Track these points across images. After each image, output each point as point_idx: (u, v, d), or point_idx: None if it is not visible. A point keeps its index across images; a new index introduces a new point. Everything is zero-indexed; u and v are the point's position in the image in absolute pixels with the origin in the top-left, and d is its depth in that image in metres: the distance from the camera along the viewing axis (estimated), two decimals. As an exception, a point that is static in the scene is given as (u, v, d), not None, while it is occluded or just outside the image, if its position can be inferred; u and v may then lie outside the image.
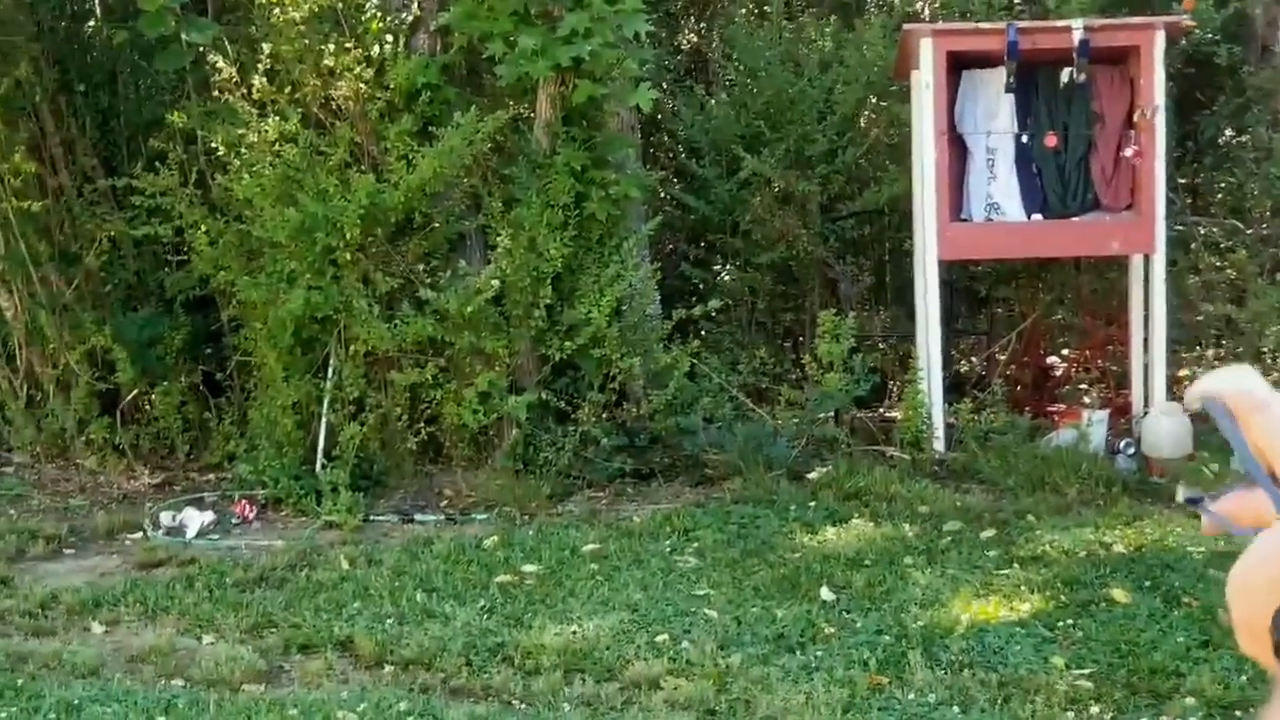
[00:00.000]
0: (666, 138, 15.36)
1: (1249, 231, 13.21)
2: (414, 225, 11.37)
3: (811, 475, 10.85)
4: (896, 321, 14.37)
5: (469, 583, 8.75)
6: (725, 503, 10.44)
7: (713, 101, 14.14)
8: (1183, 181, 13.56)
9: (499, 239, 10.96)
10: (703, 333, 12.73)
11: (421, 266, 11.35)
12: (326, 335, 11.17)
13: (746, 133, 13.33)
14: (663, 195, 14.04)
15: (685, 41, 17.41)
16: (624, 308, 11.49)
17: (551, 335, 11.11)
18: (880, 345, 13.78)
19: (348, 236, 10.70)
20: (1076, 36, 11.16)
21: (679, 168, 14.46)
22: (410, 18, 11.61)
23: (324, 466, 11.02)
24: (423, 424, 11.21)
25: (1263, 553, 1.31)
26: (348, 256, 10.89)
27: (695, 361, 11.62)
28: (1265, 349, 13.63)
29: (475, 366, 11.03)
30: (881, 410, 12.62)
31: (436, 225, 11.46)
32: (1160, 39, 11.21)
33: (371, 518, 10.52)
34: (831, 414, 11.60)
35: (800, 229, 13.11)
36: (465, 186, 11.55)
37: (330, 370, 11.19)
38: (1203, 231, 13.33)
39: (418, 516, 10.51)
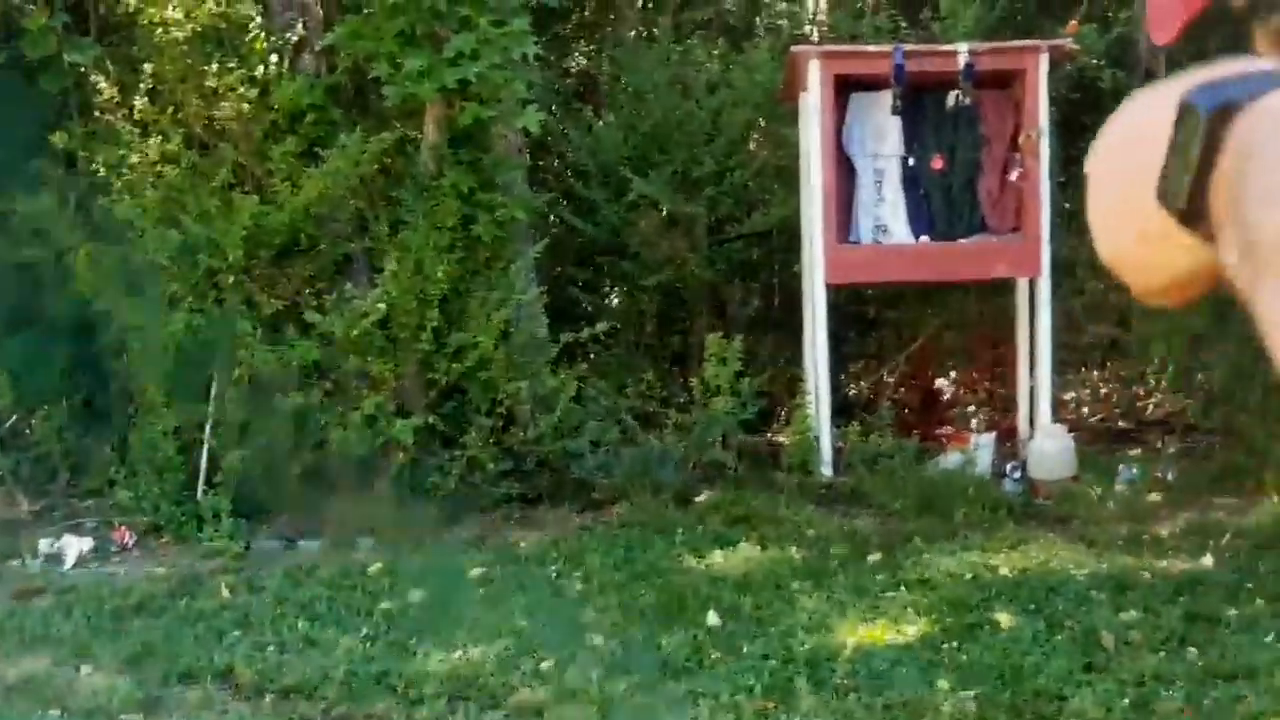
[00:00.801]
0: (555, 160, 15.31)
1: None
2: (299, 248, 11.27)
3: (699, 499, 10.83)
4: (785, 345, 14.37)
5: (352, 609, 8.66)
6: (612, 527, 10.40)
7: (601, 124, 14.11)
8: (1068, 205, 13.64)
9: (385, 261, 10.88)
10: (590, 356, 12.71)
11: (307, 289, 11.25)
12: (209, 359, 11.03)
13: (634, 155, 13.32)
14: (551, 217, 13.99)
15: (574, 64, 17.37)
16: (511, 331, 11.44)
17: (438, 358, 11.04)
18: (768, 368, 13.76)
19: (230, 259, 10.59)
20: (962, 60, 11.25)
21: (567, 190, 14.42)
22: (295, 38, 11.52)
23: (206, 492, 10.87)
24: (307, 449, 11.10)
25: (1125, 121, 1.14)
26: (231, 279, 10.77)
27: (583, 385, 11.58)
28: (1149, 370, 13.75)
29: (361, 390, 10.93)
30: (770, 434, 12.64)
31: (322, 248, 11.36)
32: (1044, 63, 11.31)
33: (254, 544, 10.38)
34: (719, 438, 11.57)
35: (688, 252, 13.11)
36: (351, 208, 11.46)
37: (213, 394, 11.05)
38: (1088, 254, 13.40)
39: (301, 542, 10.40)
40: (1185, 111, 0.96)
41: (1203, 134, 0.94)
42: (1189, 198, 0.96)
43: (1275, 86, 0.94)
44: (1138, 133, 1.06)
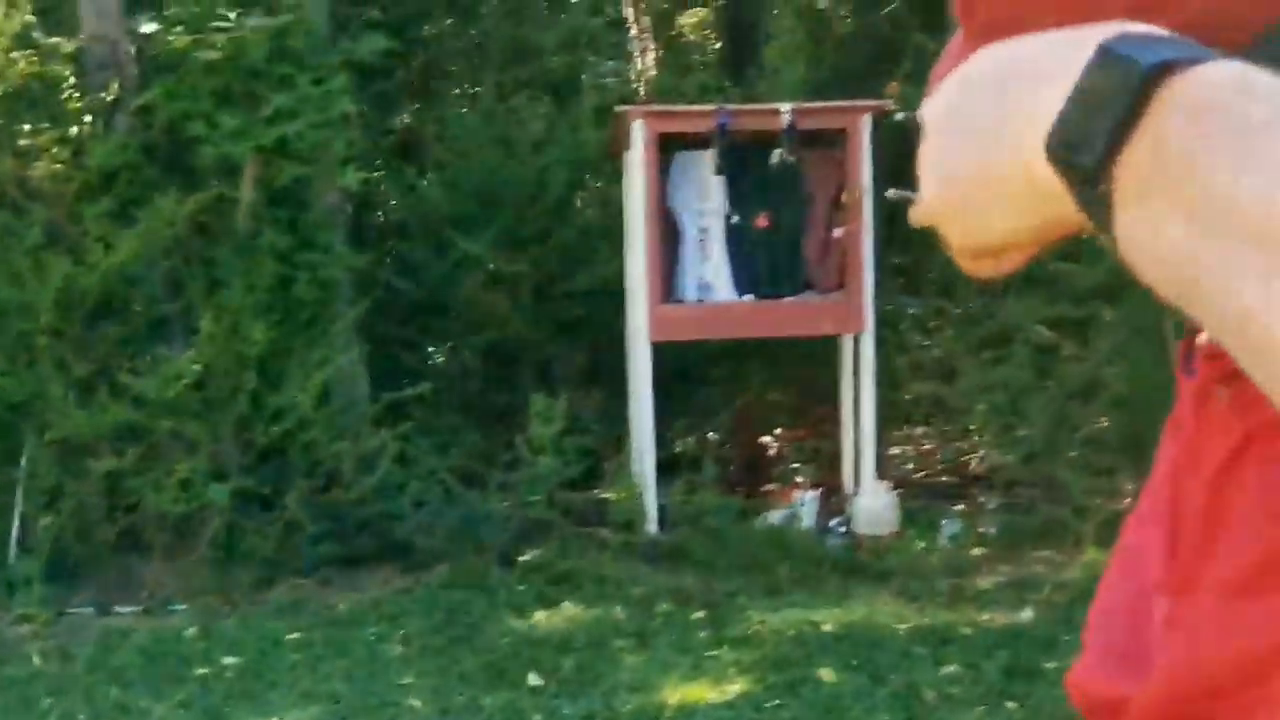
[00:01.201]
0: (378, 218, 15.20)
1: (957, 311, 13.44)
2: (112, 309, 11.08)
3: (522, 558, 10.76)
4: (610, 403, 14.33)
5: (167, 676, 8.52)
6: (434, 588, 10.30)
7: (424, 182, 14.03)
8: (895, 261, 13.77)
9: (201, 323, 10.73)
10: (414, 416, 12.57)
11: (121, 351, 11.06)
12: (19, 422, 10.81)
13: (458, 213, 13.24)
14: (374, 277, 13.87)
15: (397, 121, 17.29)
16: (332, 391, 11.33)
17: (256, 420, 10.90)
18: (593, 426, 13.72)
19: (42, 321, 10.40)
20: (785, 119, 11.29)
21: (390, 249, 14.32)
22: (110, 97, 11.34)
23: (17, 558, 10.63)
24: (122, 513, 10.91)
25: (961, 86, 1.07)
26: (43, 341, 10.57)
27: (405, 445, 11.47)
28: (973, 426, 13.88)
29: (177, 453, 10.76)
30: (595, 492, 12.57)
31: (136, 309, 11.19)
32: (867, 122, 11.42)
33: (67, 610, 10.15)
34: (544, 496, 11.52)
35: (512, 310, 13.05)
36: (166, 269, 11.29)
37: (24, 458, 10.82)
38: (912, 311, 13.54)
39: (116, 608, 10.18)
40: (1113, 61, 0.91)
41: (1136, 88, 0.89)
42: (1104, 153, 0.91)
43: (1204, 54, 0.91)
44: (997, 80, 1.02)
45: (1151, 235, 0.89)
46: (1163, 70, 0.89)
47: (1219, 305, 0.87)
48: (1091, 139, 0.91)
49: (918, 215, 1.12)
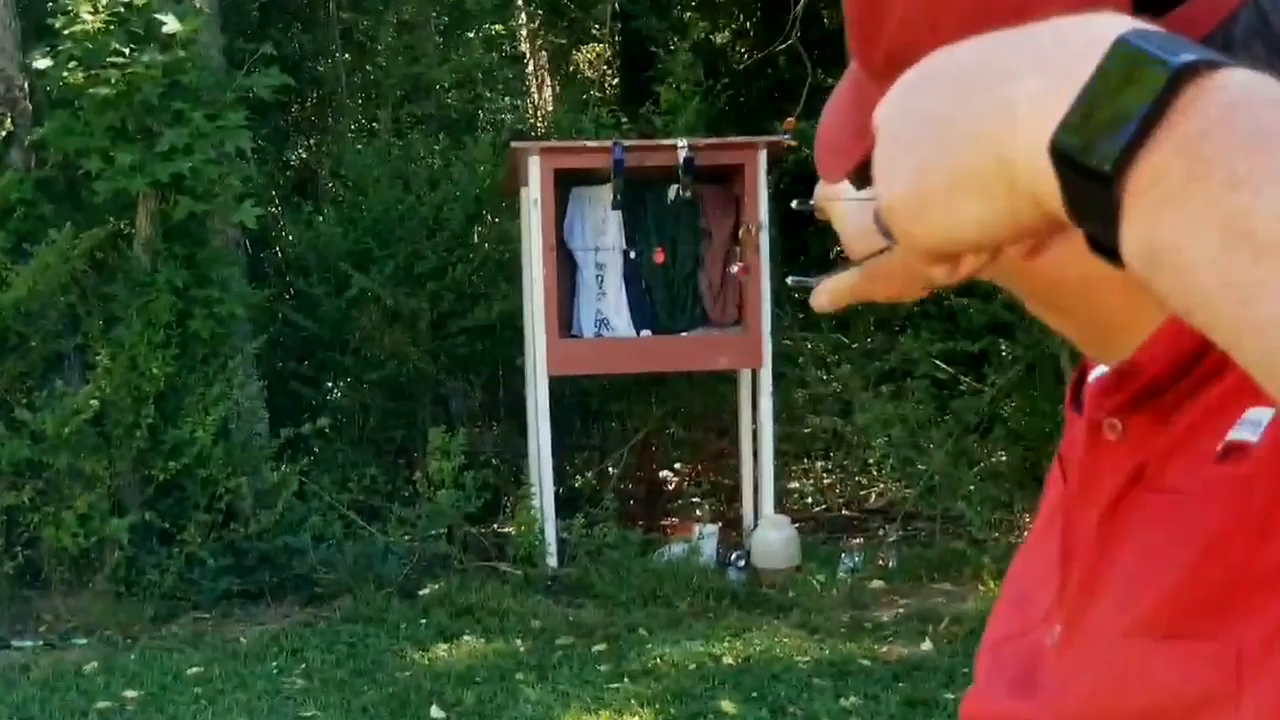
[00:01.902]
0: (275, 254, 15.18)
1: (854, 346, 13.55)
2: (9, 345, 10.99)
3: (423, 592, 10.76)
4: (509, 437, 14.36)
5: (67, 710, 8.46)
6: (335, 622, 10.26)
7: (321, 218, 14.02)
8: (796, 295, 13.87)
9: (98, 358, 10.67)
10: (314, 451, 12.54)
11: (17, 386, 10.98)
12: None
13: (355, 249, 13.23)
14: (271, 312, 13.84)
15: (294, 157, 17.28)
16: (231, 426, 11.30)
17: (154, 455, 10.84)
18: (493, 461, 13.74)
19: (-63, 357, 10.33)
20: (681, 155, 11.34)
21: (287, 285, 14.29)
22: (3, 133, 11.27)
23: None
24: (20, 547, 10.82)
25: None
26: (-62, 378, 10.49)
27: (305, 480, 11.45)
28: (871, 461, 13.99)
29: (75, 488, 10.68)
30: (495, 526, 12.57)
31: (33, 345, 11.11)
32: (763, 158, 11.47)
33: (-35, 646, 10.07)
34: (444, 530, 11.52)
35: (410, 346, 13.05)
36: (63, 305, 11.22)
37: (-80, 494, 10.73)
38: (810, 346, 13.63)
39: (15, 643, 10.07)
40: (1135, 57, 0.86)
41: (1162, 88, 0.84)
42: (1123, 154, 0.85)
43: (1222, 57, 0.86)
44: (963, 72, 0.97)
45: (1174, 246, 0.84)
46: (1191, 71, 0.85)
47: (1262, 334, 0.82)
48: (1109, 138, 0.86)
49: (887, 213, 1.04)
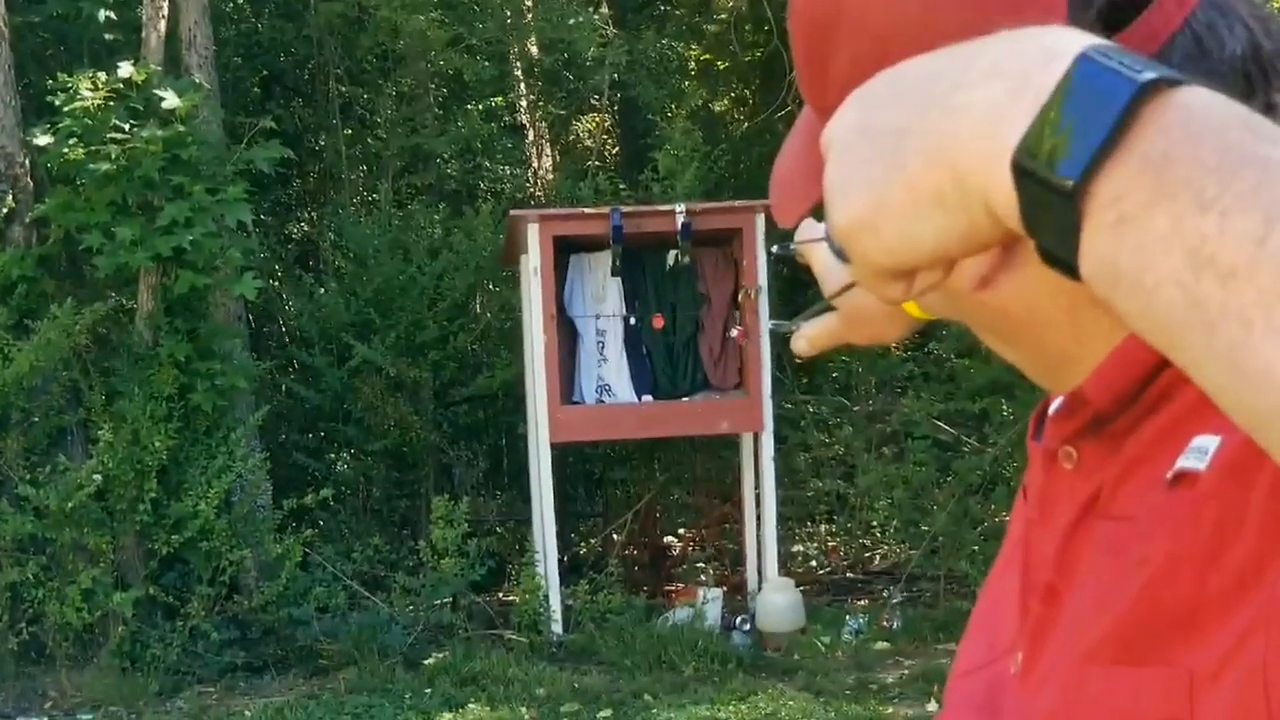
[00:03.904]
0: (279, 326, 15.23)
1: (856, 409, 13.57)
2: (11, 420, 11.02)
3: (428, 661, 10.74)
4: (513, 505, 14.38)
5: (71, 788, 8.44)
6: (340, 693, 10.24)
7: (322, 290, 14.06)
8: (798, 360, 13.88)
9: (101, 433, 10.69)
10: (318, 522, 12.55)
11: (20, 462, 10.99)
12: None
13: (357, 320, 13.27)
14: (273, 384, 13.87)
15: (296, 230, 17.33)
16: (234, 499, 11.32)
17: (158, 529, 10.85)
18: (497, 529, 13.75)
19: (-59, 434, 10.35)
20: (679, 220, 11.37)
21: (289, 357, 14.33)
22: (4, 209, 11.33)
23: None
24: (24, 624, 10.81)
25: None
26: (-58, 456, 10.52)
27: (308, 551, 11.46)
28: (875, 523, 13.97)
29: (79, 563, 10.69)
30: (500, 594, 12.57)
31: (35, 420, 11.15)
32: (760, 222, 11.47)
33: (-30, 723, 10.07)
34: (449, 599, 11.52)
35: (413, 415, 13.07)
36: (65, 380, 11.25)
37: (-76, 571, 10.73)
38: (811, 409, 13.65)
39: (20, 719, 10.08)
40: (1099, 72, 0.85)
41: (1126, 104, 0.83)
42: (1087, 168, 0.84)
43: (1184, 76, 0.85)
44: (912, 84, 0.96)
45: (1137, 267, 0.84)
46: (1154, 88, 0.84)
47: (1228, 358, 0.81)
48: (1072, 153, 0.85)
49: (842, 232, 1.02)
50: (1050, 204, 0.86)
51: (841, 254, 1.03)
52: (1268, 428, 0.81)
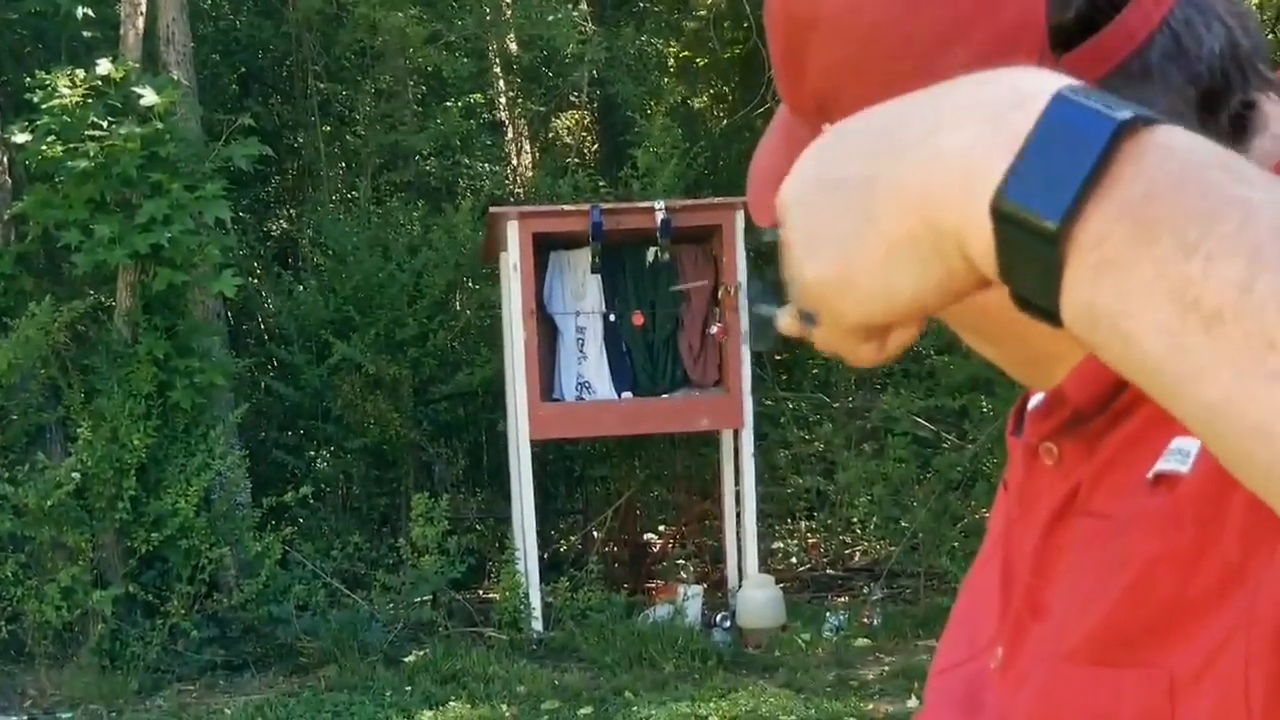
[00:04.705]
0: (258, 323, 15.20)
1: (836, 405, 13.58)
2: (-10, 418, 11.02)
3: (408, 659, 10.74)
4: (493, 502, 14.37)
5: (50, 786, 8.43)
6: (320, 691, 10.24)
7: (301, 287, 14.03)
8: (779, 357, 13.90)
9: (80, 430, 10.67)
10: (297, 519, 12.53)
11: (-1, 460, 10.99)
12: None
13: (336, 318, 13.24)
14: (253, 382, 13.85)
15: (275, 227, 17.30)
16: (213, 497, 11.30)
17: (137, 527, 10.83)
18: (477, 526, 13.74)
19: (-82, 432, 10.32)
20: (659, 217, 11.37)
21: (268, 354, 14.30)
22: (-18, 208, 11.32)
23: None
24: (3, 622, 10.78)
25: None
26: (-81, 452, 10.49)
27: (288, 549, 11.44)
28: (855, 519, 13.98)
29: (57, 561, 10.67)
30: (480, 591, 12.57)
31: (14, 418, 11.13)
32: (740, 218, 11.46)
33: (-51, 722, 10.04)
34: (429, 597, 11.51)
35: (393, 413, 13.04)
36: (43, 378, 11.23)
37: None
38: (791, 406, 13.65)
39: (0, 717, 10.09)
40: (1073, 116, 0.84)
41: (1105, 145, 0.82)
42: (1068, 212, 0.82)
43: (1149, 112, 0.84)
44: (876, 133, 0.94)
45: (1118, 311, 0.83)
46: (1131, 128, 0.83)
47: (1215, 407, 0.80)
48: (1053, 196, 0.83)
49: (813, 293, 1.00)
50: (1030, 248, 0.85)
51: (809, 317, 1.02)
52: (1261, 478, 0.81)
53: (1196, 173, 0.82)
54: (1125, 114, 0.83)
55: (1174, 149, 0.83)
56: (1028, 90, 0.87)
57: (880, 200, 0.92)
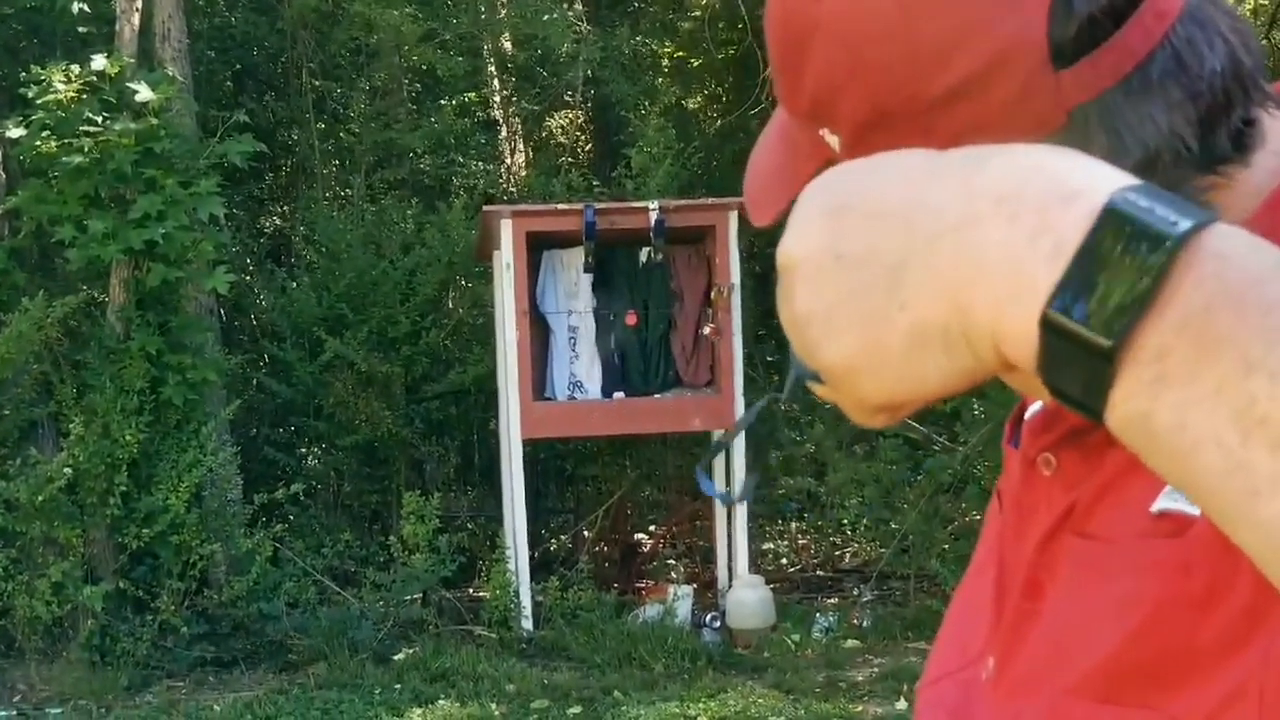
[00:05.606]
0: (250, 320, 15.20)
1: (827, 406, 13.53)
2: (-19, 413, 11.01)
3: (398, 657, 10.73)
4: (484, 501, 14.37)
5: (39, 782, 8.42)
6: (309, 688, 10.23)
7: (294, 285, 14.03)
8: (770, 358, 13.90)
9: (72, 426, 10.66)
10: (288, 516, 12.53)
11: (-10, 455, 10.98)
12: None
13: (329, 315, 13.24)
14: (245, 378, 13.85)
15: (269, 225, 17.31)
16: (204, 493, 11.30)
17: (128, 523, 10.82)
18: (468, 525, 13.73)
19: (-90, 426, 10.31)
20: (653, 217, 11.36)
21: (261, 351, 14.30)
22: (-24, 203, 11.32)
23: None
24: (-7, 617, 10.80)
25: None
26: (-90, 446, 10.48)
27: (278, 546, 11.43)
28: (846, 521, 13.98)
29: (48, 556, 10.66)
30: (470, 589, 12.56)
31: (6, 413, 11.11)
32: (734, 219, 11.46)
33: (-62, 717, 10.03)
34: (419, 595, 11.52)
35: (384, 411, 13.04)
36: (36, 373, 11.22)
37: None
38: (783, 407, 13.61)
39: (-13, 714, 10.08)
40: (1128, 229, 0.82)
41: (1165, 262, 0.81)
42: (1123, 330, 0.81)
43: (1209, 214, 0.82)
44: (897, 215, 0.92)
45: (1176, 426, 0.81)
46: (1190, 239, 0.81)
47: (1274, 527, 0.79)
48: (1110, 314, 0.82)
49: (836, 372, 0.97)
50: (1080, 358, 0.84)
51: (818, 378, 1.00)
52: None
53: (1255, 282, 0.80)
54: (1185, 225, 0.81)
55: (1230, 257, 0.81)
56: (1072, 185, 0.86)
57: (910, 287, 0.91)
